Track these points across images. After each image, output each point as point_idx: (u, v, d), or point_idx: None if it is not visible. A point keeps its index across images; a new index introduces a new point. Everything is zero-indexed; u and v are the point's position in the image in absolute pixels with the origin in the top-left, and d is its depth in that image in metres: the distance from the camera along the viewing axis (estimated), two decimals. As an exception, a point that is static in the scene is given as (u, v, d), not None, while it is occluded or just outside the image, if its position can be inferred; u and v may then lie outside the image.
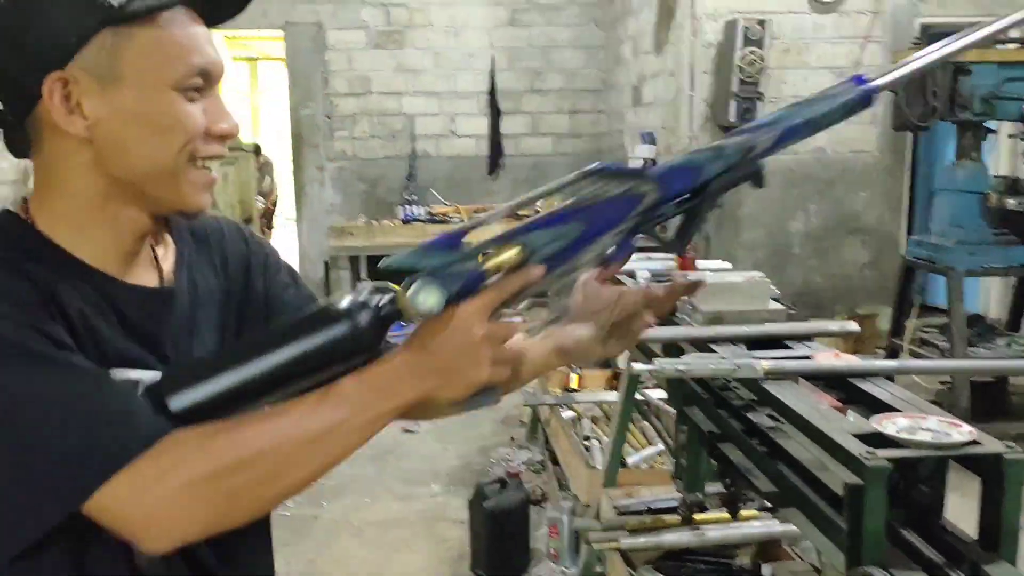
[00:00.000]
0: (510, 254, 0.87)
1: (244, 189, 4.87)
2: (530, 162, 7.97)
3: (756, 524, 2.38)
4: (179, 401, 0.80)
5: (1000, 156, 5.63)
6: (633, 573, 2.38)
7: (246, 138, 11.27)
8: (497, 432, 4.39)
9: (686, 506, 2.30)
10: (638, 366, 1.84)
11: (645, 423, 3.35)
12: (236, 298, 1.03)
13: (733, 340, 1.92)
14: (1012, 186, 4.33)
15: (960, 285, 4.17)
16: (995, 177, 4.44)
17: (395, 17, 7.67)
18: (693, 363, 1.65)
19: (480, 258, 0.87)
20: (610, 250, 0.91)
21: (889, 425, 1.36)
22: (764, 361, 1.65)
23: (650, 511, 2.69)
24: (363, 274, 6.26)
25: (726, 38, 5.70)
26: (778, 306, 2.05)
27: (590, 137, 8.04)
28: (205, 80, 0.87)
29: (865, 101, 0.95)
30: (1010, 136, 4.43)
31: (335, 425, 0.83)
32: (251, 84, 13.64)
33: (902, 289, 4.64)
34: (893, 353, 4.69)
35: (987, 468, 1.29)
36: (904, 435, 1.33)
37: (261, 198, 9.45)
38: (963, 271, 4.16)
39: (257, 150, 9.71)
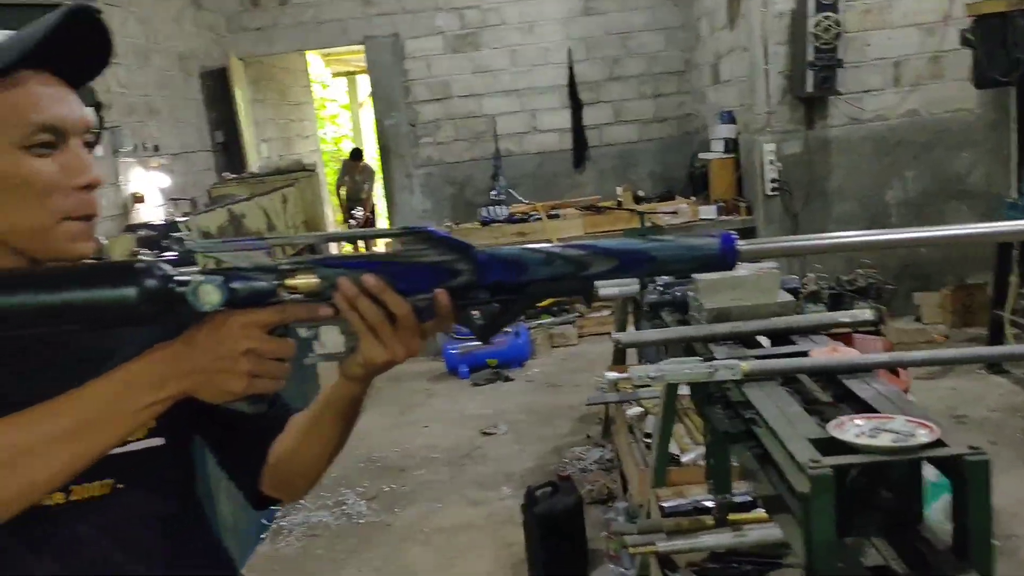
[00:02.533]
0: (309, 281, 0.88)
1: (309, 209, 5.03)
2: (615, 151, 7.87)
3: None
4: None
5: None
6: (670, 575, 2.33)
7: (344, 145, 11.67)
8: (574, 431, 4.37)
9: (719, 508, 2.24)
10: (610, 374, 1.80)
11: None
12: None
13: (735, 337, 1.85)
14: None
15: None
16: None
17: (469, 20, 7.74)
18: (667, 369, 1.60)
19: (281, 276, 0.88)
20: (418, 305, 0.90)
21: (850, 428, 1.29)
22: (744, 362, 1.58)
23: (696, 510, 2.63)
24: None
25: (798, 5, 5.45)
26: (788, 297, 1.95)
27: (675, 121, 7.86)
28: (56, 136, 0.90)
29: (722, 260, 0.92)
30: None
31: (86, 422, 0.85)
32: (350, 96, 14.12)
33: (1001, 257, 4.32)
34: (995, 325, 4.37)
35: (952, 471, 1.21)
36: (863, 439, 1.25)
37: (360, 208, 9.79)
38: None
39: (357, 155, 10.06)
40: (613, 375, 3.12)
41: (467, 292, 0.89)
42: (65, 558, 0.95)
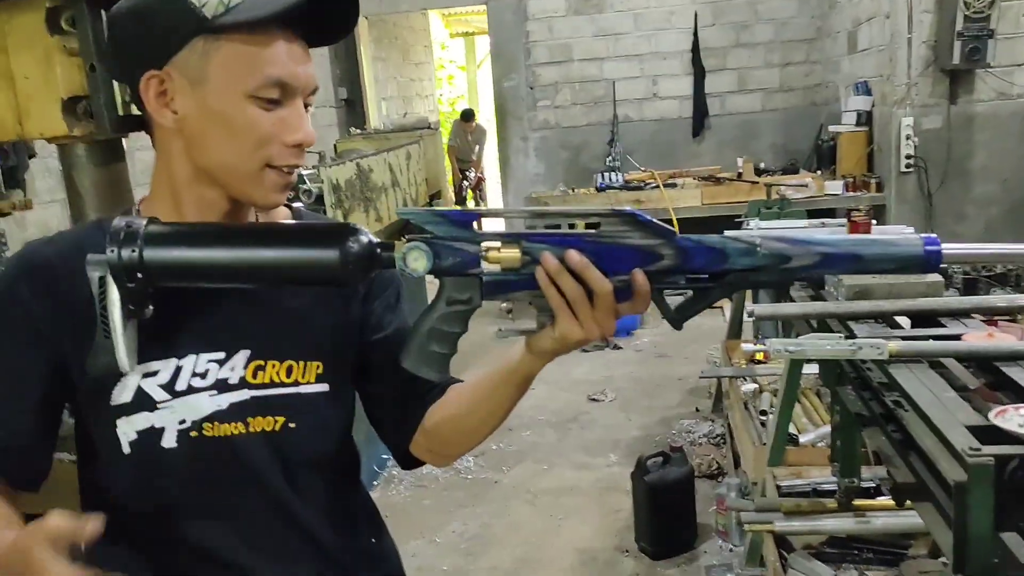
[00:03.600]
0: (512, 255, 0.89)
1: (430, 167, 5.08)
2: (737, 121, 7.63)
3: (928, 513, 2.18)
4: (153, 254, 0.87)
5: None
6: (787, 556, 2.27)
7: (460, 106, 11.79)
8: (683, 402, 4.31)
9: (843, 491, 2.16)
10: (747, 346, 1.74)
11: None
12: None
13: (877, 316, 1.77)
14: None
15: None
16: None
17: (595, -20, 7.61)
18: (807, 343, 1.54)
19: (483, 246, 0.89)
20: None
21: (1013, 416, 1.22)
22: (892, 342, 1.51)
23: (815, 492, 2.55)
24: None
25: (950, -30, 5.11)
26: (937, 277, 1.84)
27: (802, 91, 7.55)
28: (283, 92, 0.94)
29: (925, 264, 0.89)
30: None
31: None
32: (468, 57, 14.18)
33: None
34: None
35: None
36: (1022, 431, 1.18)
37: (475, 168, 9.85)
38: None
39: (469, 115, 10.07)
40: (750, 347, 3.04)
41: (665, 276, 0.89)
42: (241, 487, 1.00)
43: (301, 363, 1.03)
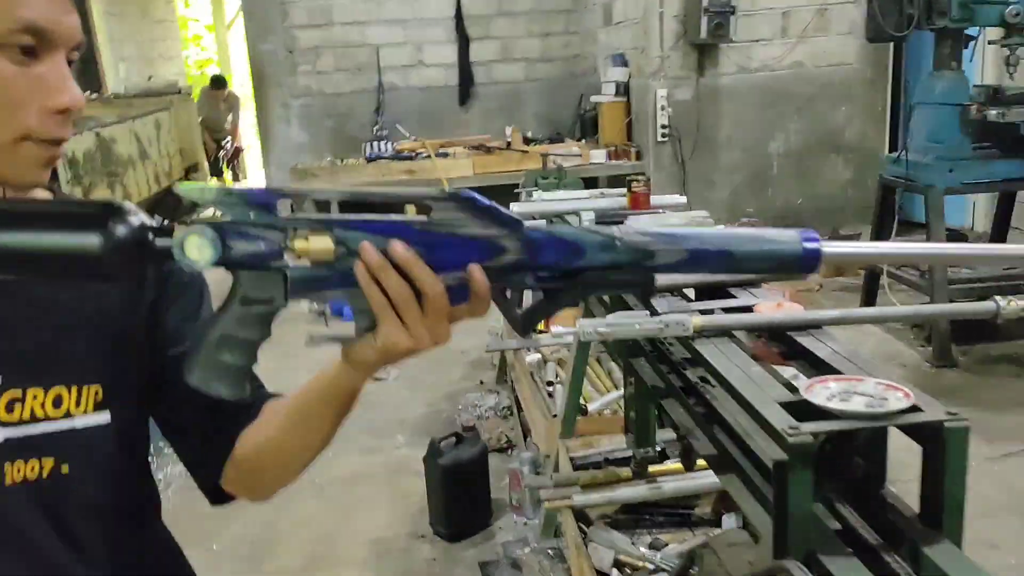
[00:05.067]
0: (323, 245, 0.73)
1: (184, 136, 4.63)
2: (502, 90, 7.69)
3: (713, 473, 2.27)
4: None
5: (981, 65, 5.39)
6: (586, 530, 2.29)
7: (211, 71, 10.93)
8: (467, 376, 4.28)
9: (637, 461, 2.20)
10: (558, 328, 1.69)
11: (613, 364, 3.23)
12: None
13: (671, 290, 1.78)
14: (993, 96, 4.12)
15: (940, 204, 4.00)
16: (975, 87, 4.22)
17: (354, -60, 7.30)
18: (616, 323, 1.51)
19: (290, 234, 0.73)
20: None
21: (820, 391, 1.23)
22: (696, 317, 1.51)
23: (607, 462, 2.60)
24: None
25: (695, -52, 5.41)
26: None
27: (563, 61, 7.74)
28: (40, 42, 0.76)
29: (802, 264, 0.80)
30: (991, 43, 4.20)
31: None
32: (215, 16, 13.19)
33: (881, 210, 4.48)
34: (871, 279, 4.56)
35: (927, 437, 1.17)
36: (835, 403, 1.20)
37: (230, 138, 9.21)
38: (942, 189, 3.99)
39: (219, 83, 9.34)
40: (560, 329, 3.02)
41: (509, 274, 0.76)
42: None
43: (73, 389, 0.83)
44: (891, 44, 5.75)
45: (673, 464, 2.30)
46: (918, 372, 3.92)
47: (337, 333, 0.79)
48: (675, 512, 2.36)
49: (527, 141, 6.64)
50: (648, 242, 0.78)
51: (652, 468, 2.31)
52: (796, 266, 0.81)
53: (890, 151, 5.82)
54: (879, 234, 4.51)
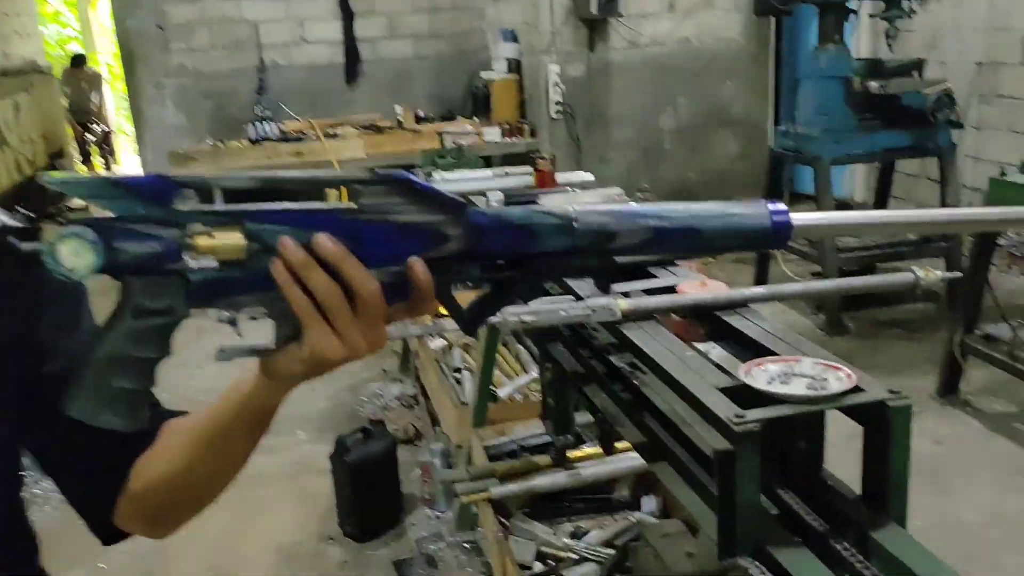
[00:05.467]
0: (232, 241, 0.61)
1: (47, 121, 4.26)
2: (391, 67, 7.48)
3: (632, 456, 2.23)
4: None
5: (859, 39, 5.58)
6: (505, 522, 2.21)
7: (73, 48, 10.19)
8: (368, 365, 4.12)
9: (557, 449, 2.13)
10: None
11: (520, 346, 3.16)
12: None
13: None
14: (874, 68, 4.25)
15: (827, 175, 4.11)
16: (857, 60, 4.35)
17: (225, -91, 6.91)
18: (541, 310, 1.42)
19: (188, 229, 0.61)
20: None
21: (759, 375, 1.18)
22: (622, 300, 1.44)
23: (523, 449, 2.53)
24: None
25: (584, -79, 5.35)
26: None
27: (452, 37, 7.59)
28: None
29: (773, 238, 0.74)
30: (871, 16, 4.32)
31: None
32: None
33: (771, 182, 4.57)
34: (763, 257, 4.65)
35: (869, 417, 1.13)
36: (777, 387, 1.15)
37: (97, 121, 8.63)
38: (829, 160, 4.09)
39: (80, 60, 8.72)
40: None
41: (454, 265, 0.66)
42: None
43: None
44: (773, 19, 5.87)
45: (591, 449, 2.25)
46: (814, 340, 4.01)
47: (254, 344, 0.67)
48: (594, 497, 2.31)
49: (418, 120, 6.47)
50: (608, 222, 0.70)
51: (572, 454, 2.26)
52: (766, 241, 0.76)
53: (775, 125, 5.97)
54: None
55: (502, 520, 2.23)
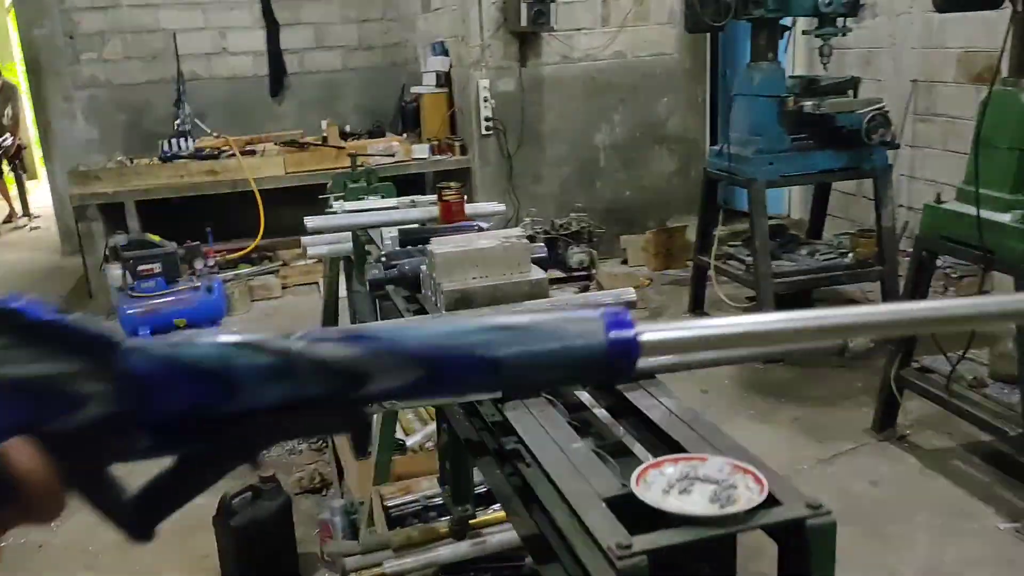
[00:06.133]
0: None
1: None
2: (318, 80, 7.19)
3: (543, 520, 2.01)
4: None
5: (793, 56, 5.49)
6: (401, 600, 1.96)
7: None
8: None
9: (455, 520, 1.91)
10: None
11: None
12: None
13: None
14: (809, 86, 4.13)
15: (762, 197, 3.96)
16: (791, 78, 4.22)
17: (139, -86, 6.55)
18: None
19: None
20: None
21: (655, 480, 0.97)
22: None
23: (428, 509, 2.30)
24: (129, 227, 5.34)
25: (512, -67, 5.16)
26: (540, 274, 1.62)
27: (382, 49, 7.33)
28: None
29: (610, 369, 0.49)
30: (804, 32, 4.20)
31: None
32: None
33: (705, 202, 4.42)
34: (699, 271, 4.50)
35: (785, 536, 0.93)
36: (675, 499, 0.94)
37: (8, 135, 8.17)
38: (763, 183, 3.95)
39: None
40: None
41: (102, 438, 0.44)
42: None
43: None
44: (708, 35, 5.75)
45: (497, 513, 2.02)
46: (749, 369, 3.86)
47: None
48: (502, 567, 2.08)
49: (345, 136, 6.20)
50: (359, 358, 0.45)
51: (475, 520, 2.03)
52: (602, 371, 0.50)
53: (711, 142, 5.84)
54: (705, 225, 4.45)
55: (398, 597, 1.99)
